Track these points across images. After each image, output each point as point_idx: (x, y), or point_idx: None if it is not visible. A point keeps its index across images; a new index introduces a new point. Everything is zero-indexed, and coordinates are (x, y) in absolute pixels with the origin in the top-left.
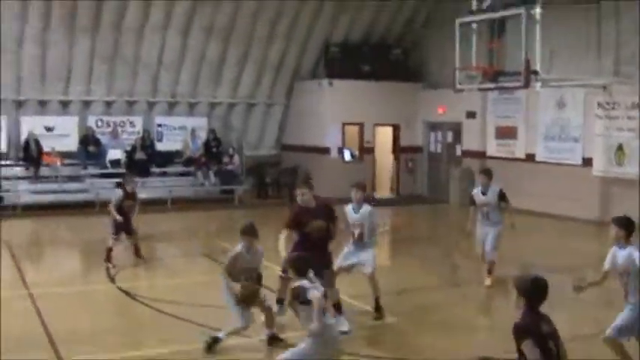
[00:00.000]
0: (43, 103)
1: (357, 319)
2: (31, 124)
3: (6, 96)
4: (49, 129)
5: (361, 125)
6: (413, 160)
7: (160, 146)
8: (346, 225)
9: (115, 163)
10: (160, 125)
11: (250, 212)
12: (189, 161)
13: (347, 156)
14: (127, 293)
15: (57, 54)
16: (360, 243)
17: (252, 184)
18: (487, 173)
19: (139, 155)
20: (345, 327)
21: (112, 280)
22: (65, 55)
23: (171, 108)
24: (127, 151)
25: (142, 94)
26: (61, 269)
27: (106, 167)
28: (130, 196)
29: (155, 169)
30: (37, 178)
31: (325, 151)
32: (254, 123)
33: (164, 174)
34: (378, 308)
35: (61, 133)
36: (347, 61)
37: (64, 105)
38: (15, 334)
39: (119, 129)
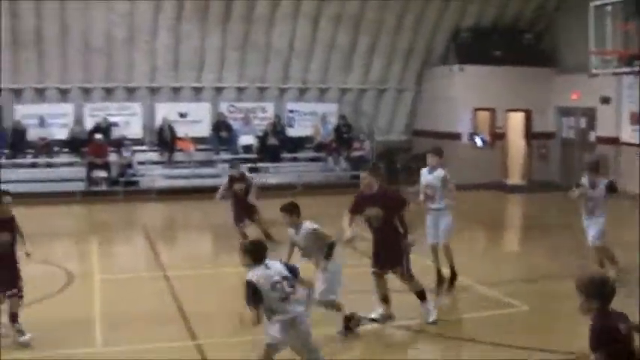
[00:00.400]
0: (176, 90)
1: (487, 305)
2: (165, 111)
3: (141, 83)
4: (182, 115)
5: (492, 111)
6: (545, 147)
7: (291, 132)
8: (420, 187)
9: (247, 148)
10: (291, 111)
11: None
12: (320, 147)
13: (478, 142)
14: None
15: (190, 42)
16: (433, 206)
17: (383, 169)
18: (594, 167)
19: (271, 141)
20: (431, 317)
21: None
22: (198, 43)
23: (301, 94)
24: (258, 137)
25: (273, 81)
26: (194, 252)
27: (237, 153)
28: (237, 180)
29: (286, 155)
30: (170, 163)
31: (456, 136)
32: (385, 108)
33: (295, 159)
34: (452, 276)
35: (194, 119)
36: (478, 46)
37: (197, 92)
38: (151, 313)
39: (251, 115)
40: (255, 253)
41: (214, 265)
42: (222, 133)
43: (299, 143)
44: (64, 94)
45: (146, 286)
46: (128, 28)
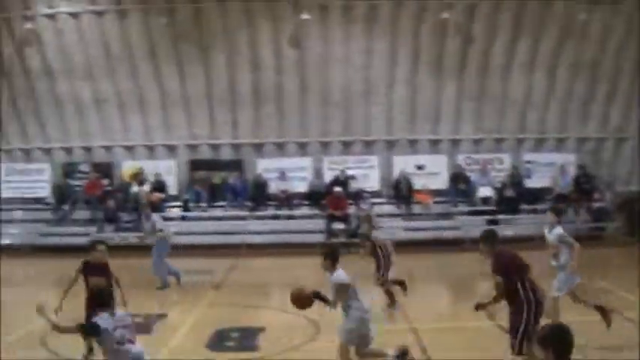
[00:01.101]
0: (413, 143)
1: None
2: (402, 163)
3: (378, 136)
4: (419, 167)
5: None
6: None
7: (529, 183)
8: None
9: (485, 200)
10: (528, 162)
11: (618, 251)
12: (560, 198)
13: None
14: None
15: (425, 95)
16: (555, 263)
17: (624, 220)
18: None
19: (509, 192)
20: None
21: (492, 317)
22: (433, 96)
23: (538, 144)
24: (496, 189)
25: (509, 131)
26: (438, 305)
27: (475, 205)
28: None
29: (524, 207)
30: (408, 215)
31: None
32: (624, 157)
33: (534, 211)
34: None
35: (431, 172)
36: None
37: (434, 144)
38: None
39: (488, 166)
40: (101, 300)
41: (456, 318)
42: (460, 185)
43: (537, 194)
44: (302, 148)
45: (393, 339)
46: (365, 81)
